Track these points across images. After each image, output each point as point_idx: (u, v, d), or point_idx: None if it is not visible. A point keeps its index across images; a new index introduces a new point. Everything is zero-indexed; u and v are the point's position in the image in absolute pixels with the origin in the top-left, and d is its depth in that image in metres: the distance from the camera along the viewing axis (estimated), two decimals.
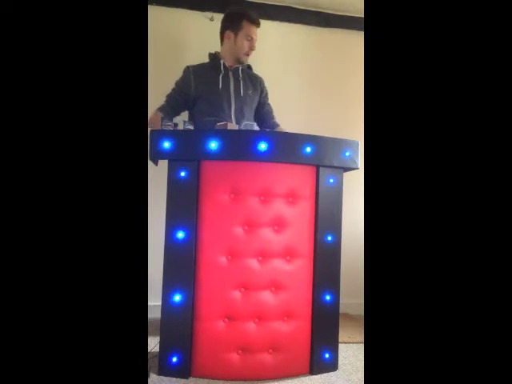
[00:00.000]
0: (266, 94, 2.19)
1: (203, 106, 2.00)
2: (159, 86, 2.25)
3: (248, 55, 2.06)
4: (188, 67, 2.05)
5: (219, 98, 2.00)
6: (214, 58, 2.08)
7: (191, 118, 2.06)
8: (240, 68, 2.08)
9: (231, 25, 2.03)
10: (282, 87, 2.48)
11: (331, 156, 1.59)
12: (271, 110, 2.20)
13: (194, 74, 2.02)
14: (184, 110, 2.08)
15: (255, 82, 2.13)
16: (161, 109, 1.99)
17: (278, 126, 2.15)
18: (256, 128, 1.98)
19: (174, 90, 2.05)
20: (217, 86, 2.01)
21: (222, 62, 2.05)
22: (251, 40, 2.02)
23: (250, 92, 2.08)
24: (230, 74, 2.05)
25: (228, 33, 2.05)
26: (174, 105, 2.02)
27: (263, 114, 2.16)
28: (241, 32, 2.01)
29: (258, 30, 2.08)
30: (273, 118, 2.18)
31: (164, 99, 2.04)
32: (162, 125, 1.61)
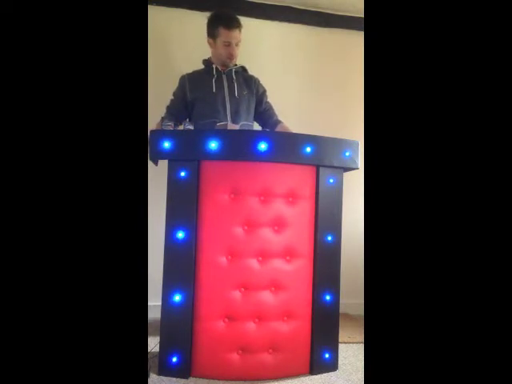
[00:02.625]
0: (263, 92, 2.19)
1: (200, 109, 2.04)
2: (159, 85, 2.25)
3: (231, 59, 2.06)
4: (183, 76, 2.09)
5: (214, 101, 2.03)
6: (207, 63, 2.12)
7: (191, 120, 2.08)
8: (233, 70, 2.10)
9: (210, 32, 2.06)
10: (282, 87, 2.48)
11: (331, 156, 1.59)
12: (270, 107, 2.20)
13: (189, 80, 2.07)
14: (186, 118, 2.11)
15: (250, 83, 2.14)
16: (165, 116, 2.03)
17: (280, 122, 2.15)
18: (252, 128, 1.99)
19: (172, 100, 2.09)
20: (211, 90, 2.03)
21: (214, 66, 2.08)
22: (229, 45, 2.02)
23: (244, 93, 2.09)
24: (224, 77, 2.08)
25: (209, 40, 2.08)
26: (175, 113, 2.05)
27: (262, 112, 2.17)
28: (218, 39, 2.02)
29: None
30: (274, 115, 2.19)
31: (165, 107, 2.07)
32: (162, 125, 1.62)
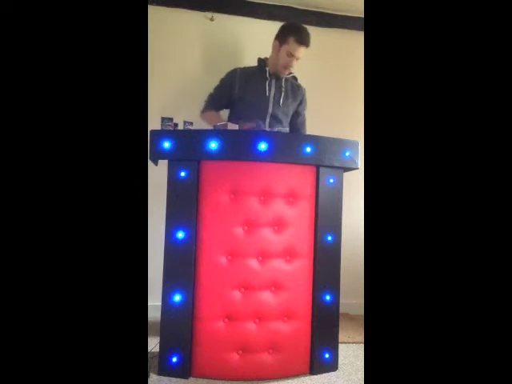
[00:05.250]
0: (305, 105, 2.22)
1: (241, 109, 2.05)
2: (159, 85, 2.25)
3: (286, 69, 2.06)
4: (235, 69, 2.10)
5: (258, 104, 2.05)
6: (262, 63, 2.13)
7: (230, 118, 2.11)
8: (284, 78, 2.11)
9: (280, 36, 2.07)
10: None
11: (331, 156, 1.59)
12: (303, 121, 2.23)
13: (240, 75, 2.07)
14: (225, 108, 2.14)
15: (297, 93, 2.16)
16: (206, 104, 2.09)
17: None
18: None
19: (216, 87, 2.10)
20: (259, 91, 2.05)
21: (267, 69, 2.09)
22: (291, 57, 2.02)
23: (289, 101, 2.12)
24: (273, 82, 2.09)
25: (275, 42, 2.09)
26: (214, 103, 2.09)
27: (295, 124, 2.20)
28: (284, 46, 2.03)
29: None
30: (302, 129, 2.22)
31: (208, 94, 2.12)
32: (162, 125, 1.62)
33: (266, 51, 2.42)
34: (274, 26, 2.53)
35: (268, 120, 2.06)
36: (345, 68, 2.63)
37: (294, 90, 2.16)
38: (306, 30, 2.05)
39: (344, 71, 2.63)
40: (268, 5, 2.51)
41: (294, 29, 2.04)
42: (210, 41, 2.42)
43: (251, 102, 2.04)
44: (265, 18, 2.52)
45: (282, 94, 2.09)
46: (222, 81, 2.10)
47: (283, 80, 2.11)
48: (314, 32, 2.59)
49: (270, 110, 2.06)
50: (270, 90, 2.08)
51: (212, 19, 2.44)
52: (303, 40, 2.01)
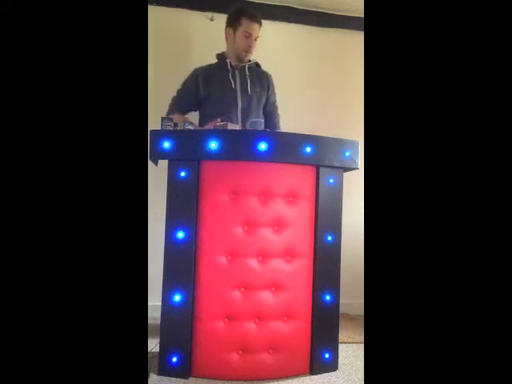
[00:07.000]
0: (273, 91, 2.17)
1: (210, 107, 2.02)
2: (159, 85, 2.25)
3: (248, 52, 2.03)
4: (196, 69, 2.06)
5: (226, 98, 2.01)
6: (221, 58, 2.09)
7: (200, 119, 2.08)
8: (247, 66, 2.07)
9: (231, 22, 2.04)
10: (282, 87, 2.47)
11: (331, 156, 1.59)
12: (274, 109, 2.19)
13: (201, 75, 2.04)
14: (191, 110, 2.10)
15: (263, 79, 2.12)
16: (171, 107, 2.04)
17: (277, 129, 2.15)
18: (262, 125, 1.97)
19: (179, 91, 2.06)
20: (223, 85, 2.02)
21: (228, 61, 2.05)
22: (249, 36, 2.00)
23: (257, 90, 2.07)
24: (237, 72, 2.05)
25: (228, 30, 2.06)
26: (182, 104, 2.05)
27: (266, 112, 2.17)
28: (239, 29, 2.01)
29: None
30: (275, 119, 2.18)
31: (171, 98, 2.07)
32: (162, 125, 1.62)
33: (266, 51, 2.44)
34: (275, 26, 2.54)
35: (239, 113, 2.01)
36: (345, 68, 2.63)
37: (260, 76, 2.11)
38: (253, 9, 2.04)
39: (344, 71, 2.63)
40: (268, 5, 2.51)
41: (241, 10, 2.02)
42: (209, 41, 2.42)
43: (218, 98, 2.00)
44: (264, 18, 2.51)
45: (248, 82, 2.04)
46: (185, 83, 2.06)
47: (246, 68, 2.06)
48: (313, 32, 2.62)
49: (240, 102, 2.02)
50: (234, 82, 2.03)
51: (212, 19, 2.44)
52: (255, 16, 2.00)
